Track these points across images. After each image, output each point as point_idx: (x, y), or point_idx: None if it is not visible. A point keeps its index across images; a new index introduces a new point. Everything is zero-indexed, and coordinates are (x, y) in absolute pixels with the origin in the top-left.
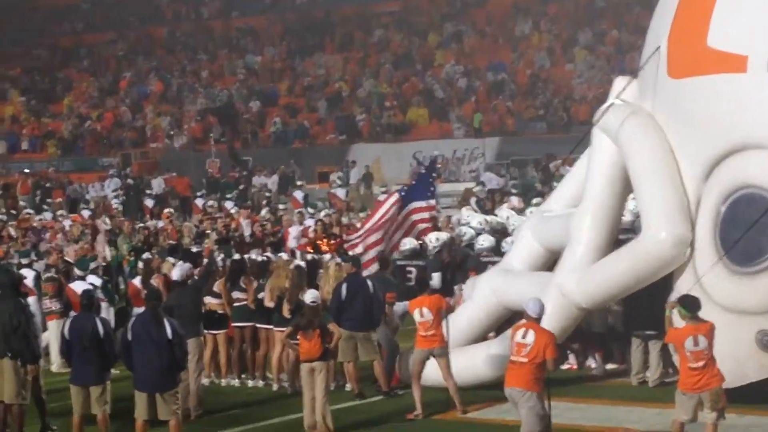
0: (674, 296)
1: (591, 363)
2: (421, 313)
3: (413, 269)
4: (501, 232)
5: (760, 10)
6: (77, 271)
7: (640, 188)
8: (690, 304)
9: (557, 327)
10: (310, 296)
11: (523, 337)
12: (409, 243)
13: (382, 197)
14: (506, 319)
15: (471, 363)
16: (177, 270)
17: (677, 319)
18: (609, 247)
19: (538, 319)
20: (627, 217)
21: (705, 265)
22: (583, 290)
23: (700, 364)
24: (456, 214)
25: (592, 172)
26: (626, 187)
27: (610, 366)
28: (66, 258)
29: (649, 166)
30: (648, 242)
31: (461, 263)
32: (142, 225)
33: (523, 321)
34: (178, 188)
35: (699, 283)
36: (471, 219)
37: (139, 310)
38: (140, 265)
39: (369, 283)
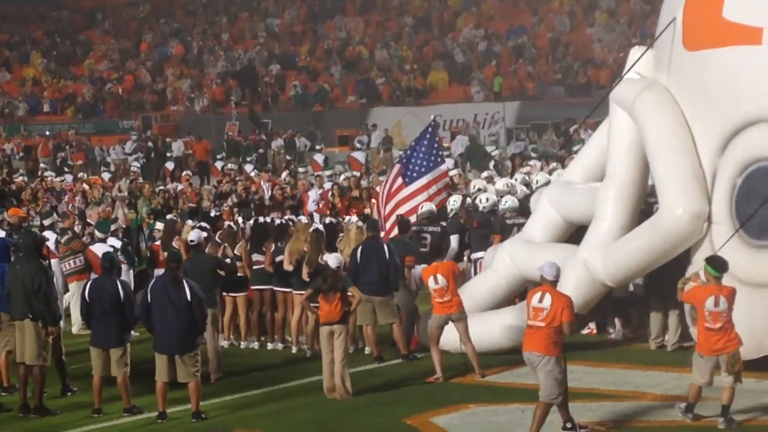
0: (690, 271)
1: (610, 328)
2: (435, 279)
3: (428, 235)
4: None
5: None
6: (98, 234)
7: (655, 163)
8: (718, 265)
9: (580, 300)
10: (334, 260)
11: (540, 301)
12: (426, 207)
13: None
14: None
15: (488, 330)
16: (193, 233)
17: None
18: (634, 222)
19: (554, 282)
20: None
21: (722, 238)
22: (607, 267)
23: (718, 325)
24: (474, 178)
25: (612, 147)
26: (647, 165)
27: (629, 331)
28: (88, 220)
29: (664, 141)
30: (665, 218)
31: (479, 227)
32: (162, 188)
33: (540, 285)
34: (197, 153)
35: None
36: (495, 183)
37: (160, 271)
38: (158, 226)
39: (386, 247)
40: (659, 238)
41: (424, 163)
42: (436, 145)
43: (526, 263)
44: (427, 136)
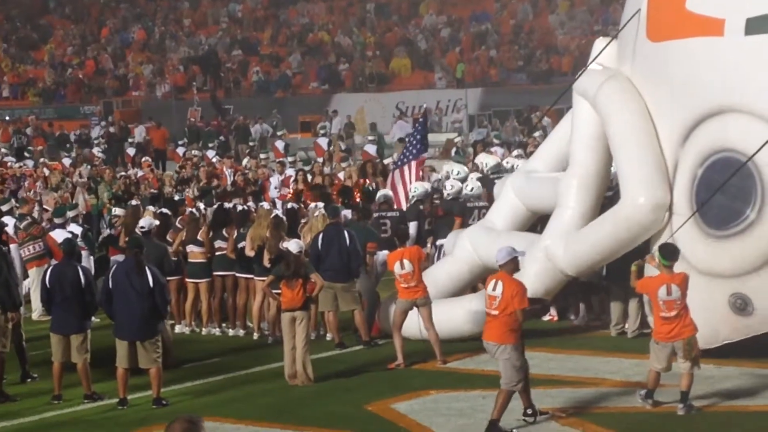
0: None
1: (571, 315)
2: (402, 264)
3: (387, 221)
4: (483, 179)
5: None
6: (56, 219)
7: (618, 153)
8: (667, 253)
9: (542, 289)
10: (295, 246)
11: (493, 289)
12: (383, 194)
13: (368, 147)
14: None
15: (450, 316)
16: (145, 220)
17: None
18: (596, 211)
19: (507, 266)
20: None
21: (682, 228)
22: (569, 256)
23: (673, 313)
24: (439, 164)
25: (575, 137)
26: (610, 155)
27: (590, 318)
28: (45, 206)
29: (627, 131)
30: (627, 208)
31: (444, 215)
32: (123, 174)
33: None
34: (154, 141)
35: None
36: (453, 169)
37: (117, 258)
38: (117, 212)
39: (346, 234)
40: (621, 227)
41: (415, 149)
42: (425, 133)
43: (487, 250)
44: (418, 127)
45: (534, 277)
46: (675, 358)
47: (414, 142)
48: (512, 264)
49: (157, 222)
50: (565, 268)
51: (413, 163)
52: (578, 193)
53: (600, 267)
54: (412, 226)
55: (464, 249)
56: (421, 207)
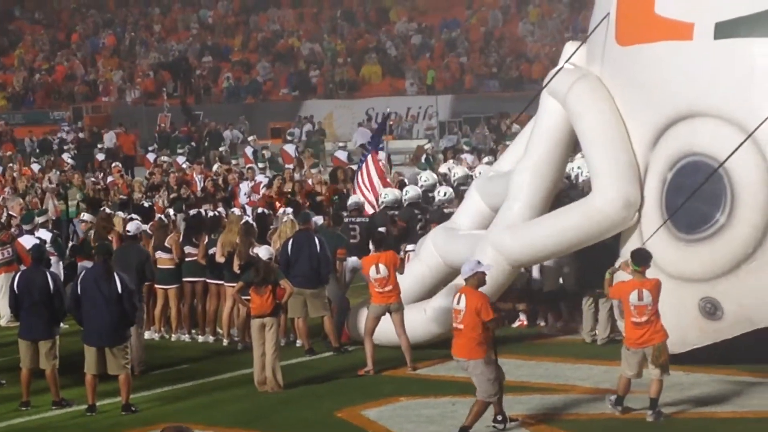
0: (619, 262)
1: (541, 322)
2: (377, 269)
3: (356, 226)
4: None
5: None
6: (25, 225)
7: (590, 149)
8: (639, 258)
9: (491, 284)
10: (265, 252)
11: (458, 302)
12: (353, 199)
13: (338, 153)
14: None
15: (419, 318)
16: (133, 225)
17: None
18: (545, 206)
19: (470, 280)
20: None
21: (651, 231)
22: (523, 245)
23: (644, 319)
24: (408, 171)
25: (536, 132)
26: (567, 151)
27: (560, 325)
28: (11, 213)
29: (599, 127)
30: (598, 201)
31: (408, 224)
32: (93, 180)
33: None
34: (124, 147)
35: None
36: (421, 176)
37: (86, 264)
38: (85, 217)
39: (316, 240)
40: (589, 219)
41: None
42: (383, 136)
43: (447, 249)
44: (375, 126)
45: None
46: (646, 364)
47: (370, 142)
48: (475, 278)
49: (145, 227)
50: (519, 257)
51: (369, 160)
52: (530, 187)
53: (566, 269)
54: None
55: (427, 251)
56: (391, 213)
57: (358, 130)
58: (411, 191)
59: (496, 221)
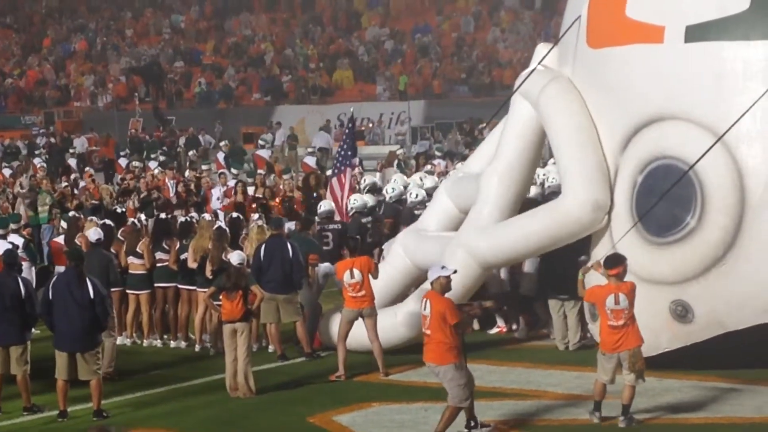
0: (591, 263)
1: (513, 324)
2: (352, 274)
3: (329, 233)
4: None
5: None
6: None
7: (560, 151)
8: (609, 261)
9: (460, 286)
10: (236, 258)
11: (424, 308)
12: (325, 206)
13: (307, 159)
14: None
15: (390, 323)
16: (94, 232)
17: (592, 282)
18: (515, 208)
19: (435, 284)
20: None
21: (621, 234)
22: (492, 246)
23: (620, 323)
24: (380, 176)
25: (506, 134)
26: (537, 154)
27: (532, 330)
28: None
29: (570, 130)
30: (568, 203)
31: (395, 219)
32: (65, 184)
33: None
34: (104, 152)
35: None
36: (393, 178)
37: (61, 268)
38: (62, 223)
39: (289, 245)
40: (558, 221)
41: (348, 154)
42: (354, 139)
43: (416, 251)
44: (346, 131)
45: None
46: (620, 370)
47: (343, 151)
48: (438, 283)
49: (102, 234)
50: (489, 259)
51: (347, 171)
52: (498, 188)
53: (540, 280)
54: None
55: (396, 254)
56: (363, 220)
57: (318, 133)
58: (396, 189)
59: (466, 223)
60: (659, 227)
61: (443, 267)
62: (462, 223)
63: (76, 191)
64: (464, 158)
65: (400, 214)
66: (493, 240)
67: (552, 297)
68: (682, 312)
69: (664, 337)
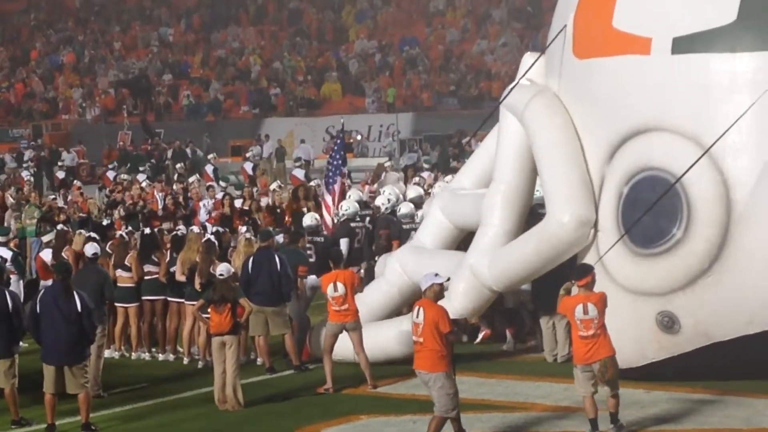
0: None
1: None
2: (335, 287)
3: (312, 245)
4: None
5: None
6: None
7: (543, 170)
8: (577, 272)
9: (469, 307)
10: (220, 270)
11: (417, 316)
12: (309, 219)
13: (296, 171)
14: None
15: (381, 339)
16: (91, 247)
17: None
18: (520, 228)
19: (428, 292)
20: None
21: (607, 247)
22: (493, 273)
23: (590, 332)
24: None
25: (501, 152)
26: (536, 170)
27: (520, 342)
28: None
29: (553, 147)
30: (552, 225)
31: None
32: (52, 196)
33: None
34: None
35: (601, 264)
36: (384, 191)
37: (47, 283)
38: (44, 238)
39: (277, 257)
40: (545, 243)
41: (338, 164)
42: (343, 151)
43: (416, 270)
44: (338, 142)
45: (462, 295)
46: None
47: (334, 161)
48: (431, 291)
49: (98, 249)
50: (492, 285)
51: (339, 181)
52: (502, 210)
53: (527, 291)
54: (343, 243)
55: (394, 271)
56: (352, 225)
57: (300, 146)
58: (391, 200)
59: (473, 246)
60: (645, 239)
61: (436, 275)
62: (457, 239)
63: (64, 205)
64: (452, 171)
65: (394, 226)
66: (496, 265)
67: (542, 309)
68: (668, 323)
69: (651, 348)
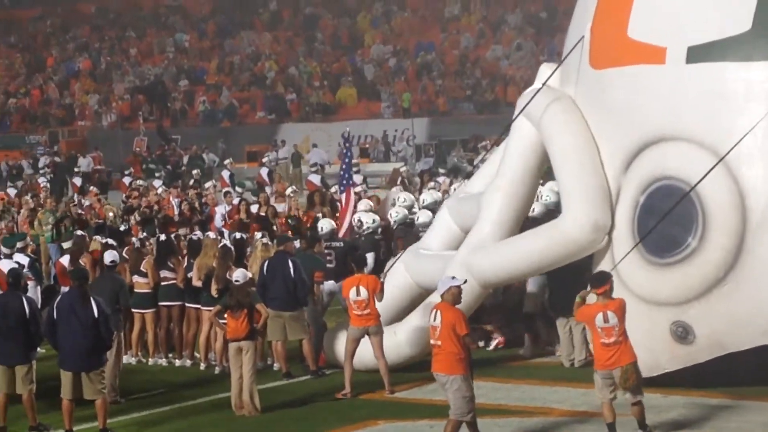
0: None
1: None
2: (358, 291)
3: (332, 251)
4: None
5: (679, 1)
6: (3, 249)
7: (561, 172)
8: (593, 280)
9: (462, 305)
10: (240, 276)
11: (434, 319)
12: (326, 225)
13: (312, 177)
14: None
15: (393, 342)
16: (110, 254)
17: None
18: (516, 227)
19: (444, 296)
20: (537, 209)
21: (622, 255)
22: (493, 265)
23: (612, 340)
24: (385, 194)
25: (508, 153)
26: (539, 173)
27: (537, 347)
28: None
29: (571, 150)
30: (567, 224)
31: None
32: (73, 204)
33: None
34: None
35: (616, 273)
36: (399, 196)
37: (66, 289)
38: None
39: (290, 262)
40: (557, 242)
41: (347, 175)
42: (346, 159)
43: (418, 271)
44: (345, 151)
45: None
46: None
47: (343, 171)
48: (449, 293)
49: (117, 256)
50: (489, 278)
51: (350, 190)
52: (500, 206)
53: (546, 299)
54: (370, 257)
55: (399, 273)
56: (377, 237)
57: (313, 150)
58: (400, 213)
59: (467, 241)
60: (660, 248)
61: (453, 278)
62: (462, 241)
63: (80, 210)
64: (468, 176)
65: (409, 234)
66: (494, 259)
67: (559, 314)
68: (682, 333)
69: (665, 358)
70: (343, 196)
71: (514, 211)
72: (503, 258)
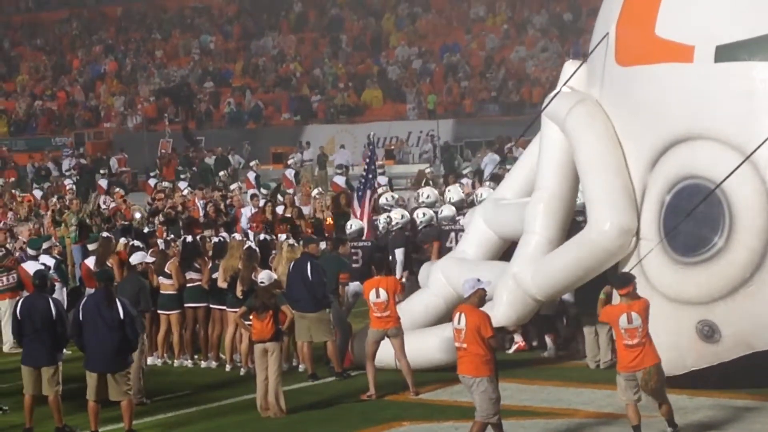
0: None
1: (534, 342)
2: (377, 293)
3: (359, 250)
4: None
5: (707, 0)
6: (30, 251)
7: (585, 178)
8: (617, 281)
9: (514, 316)
10: (265, 277)
11: (458, 322)
12: (354, 224)
13: (337, 179)
14: None
15: (424, 346)
16: (137, 256)
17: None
18: (563, 236)
19: (472, 299)
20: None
21: (649, 255)
22: (537, 281)
23: (636, 341)
24: (411, 194)
25: (543, 160)
26: (578, 179)
27: (560, 349)
28: (20, 238)
29: (595, 155)
30: (593, 233)
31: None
32: (105, 206)
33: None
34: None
35: (642, 272)
36: (422, 192)
37: (91, 290)
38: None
39: (309, 264)
40: (587, 252)
41: (369, 177)
42: (367, 161)
43: (460, 281)
44: (368, 155)
45: (506, 305)
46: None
47: (365, 173)
48: (476, 296)
49: (148, 259)
50: (535, 294)
51: (368, 193)
52: (545, 218)
53: (567, 296)
54: (399, 253)
55: (438, 281)
56: (407, 233)
57: (339, 151)
58: (427, 213)
59: (516, 255)
60: (686, 247)
61: (479, 280)
62: (500, 249)
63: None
64: (495, 178)
65: (441, 234)
66: (540, 275)
67: (585, 314)
68: (708, 332)
69: (691, 357)
70: (364, 199)
71: (559, 221)
72: (547, 273)
